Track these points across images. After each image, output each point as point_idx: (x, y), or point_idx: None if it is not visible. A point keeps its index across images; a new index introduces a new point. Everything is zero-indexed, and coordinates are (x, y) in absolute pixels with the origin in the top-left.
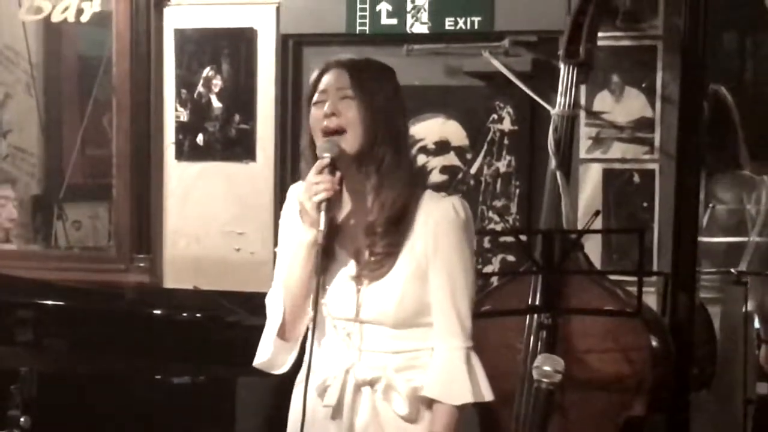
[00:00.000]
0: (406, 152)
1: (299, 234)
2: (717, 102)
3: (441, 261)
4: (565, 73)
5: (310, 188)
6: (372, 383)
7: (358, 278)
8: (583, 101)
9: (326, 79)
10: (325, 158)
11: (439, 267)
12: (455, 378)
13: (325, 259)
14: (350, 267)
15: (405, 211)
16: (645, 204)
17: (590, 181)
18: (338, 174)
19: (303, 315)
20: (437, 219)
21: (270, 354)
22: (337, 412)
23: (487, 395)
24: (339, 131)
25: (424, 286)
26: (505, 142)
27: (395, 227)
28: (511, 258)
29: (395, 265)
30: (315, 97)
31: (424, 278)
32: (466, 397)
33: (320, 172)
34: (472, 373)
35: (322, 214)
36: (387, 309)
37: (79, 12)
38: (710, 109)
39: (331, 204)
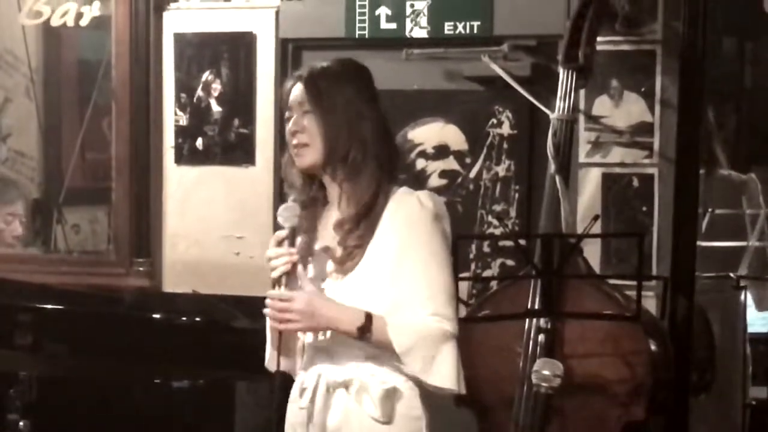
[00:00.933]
0: (374, 151)
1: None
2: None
3: (412, 257)
4: (564, 77)
5: (269, 260)
6: (345, 385)
7: (332, 273)
8: (582, 106)
9: (291, 96)
10: (284, 231)
11: (410, 263)
12: (408, 328)
13: (305, 257)
14: (327, 264)
15: (372, 207)
16: (644, 208)
17: (589, 186)
18: (299, 240)
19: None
20: (403, 215)
21: (274, 365)
22: (311, 414)
23: (436, 379)
24: (304, 145)
25: (394, 282)
26: (505, 146)
27: (364, 223)
28: (510, 262)
29: (363, 260)
30: (286, 114)
31: (394, 274)
32: (399, 345)
33: (279, 244)
34: (431, 345)
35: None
36: (359, 303)
37: (79, 16)
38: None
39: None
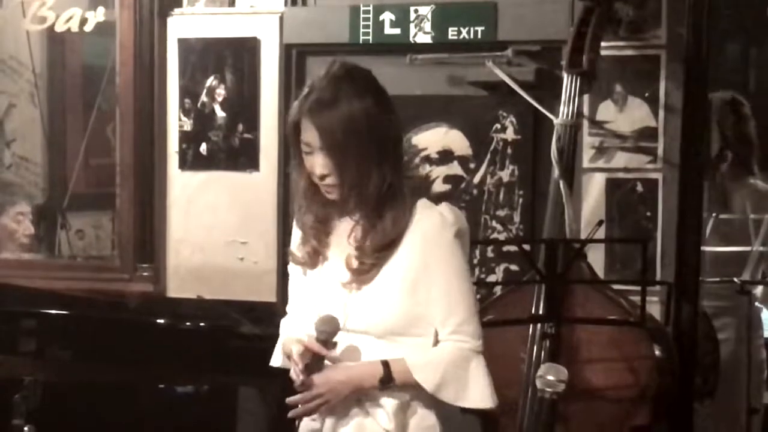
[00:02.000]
0: (401, 177)
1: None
2: (734, 109)
3: (434, 272)
4: (568, 82)
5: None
6: (357, 398)
7: (347, 285)
8: (586, 111)
9: (305, 136)
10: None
11: (433, 278)
12: (433, 363)
13: (316, 260)
14: (341, 273)
15: (398, 239)
16: (648, 213)
17: (593, 191)
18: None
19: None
20: (425, 229)
21: (279, 363)
22: (322, 427)
23: (470, 401)
24: (334, 185)
25: (413, 297)
26: (508, 151)
27: (381, 230)
28: (514, 267)
29: (383, 272)
30: (302, 146)
31: (413, 289)
32: (429, 384)
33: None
34: (459, 371)
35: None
36: (373, 316)
37: (83, 22)
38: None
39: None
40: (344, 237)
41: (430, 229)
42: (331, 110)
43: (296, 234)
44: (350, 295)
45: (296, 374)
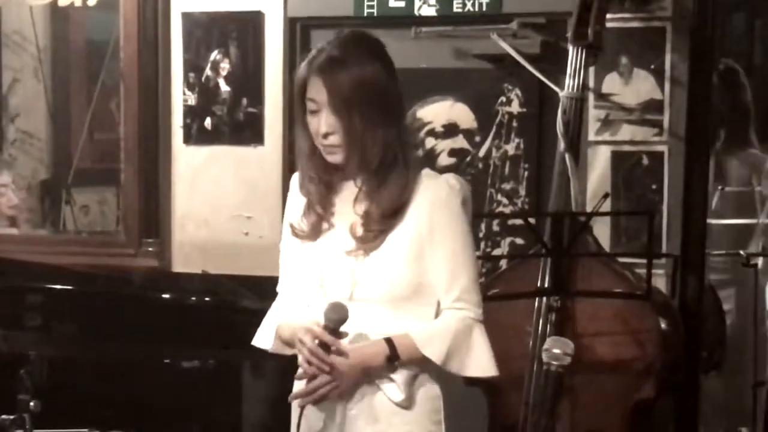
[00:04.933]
0: (404, 146)
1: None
2: (730, 78)
3: (440, 239)
4: (573, 55)
5: (302, 348)
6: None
7: (353, 252)
8: (591, 83)
9: (312, 92)
10: (325, 329)
11: (438, 245)
12: (439, 335)
13: (319, 230)
14: (346, 241)
15: (403, 207)
16: (654, 186)
17: (599, 164)
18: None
19: None
20: (432, 198)
21: (270, 347)
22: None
23: (473, 370)
24: (338, 146)
25: (419, 264)
26: (514, 124)
27: (387, 201)
28: (519, 241)
29: (389, 239)
30: (308, 104)
31: (419, 256)
32: (437, 356)
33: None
34: (463, 341)
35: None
36: (381, 284)
37: None
38: (722, 85)
39: None
40: (349, 205)
41: (437, 197)
42: (342, 68)
43: (297, 204)
44: (357, 262)
45: (309, 363)
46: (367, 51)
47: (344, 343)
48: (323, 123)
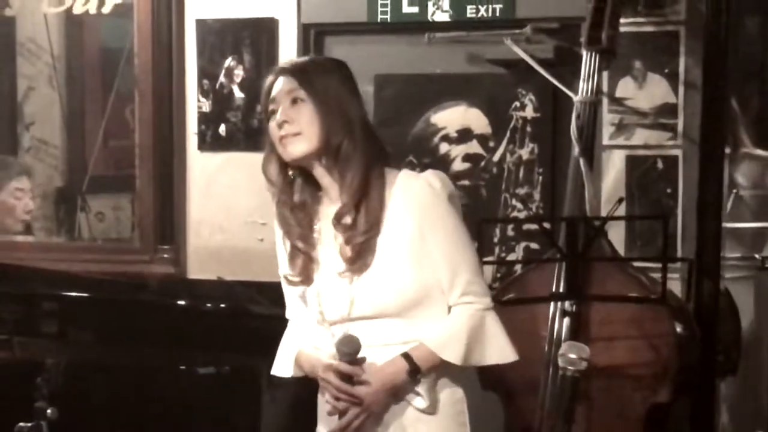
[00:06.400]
0: (363, 135)
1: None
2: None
3: (433, 240)
4: (587, 59)
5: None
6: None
7: (345, 274)
8: (605, 88)
9: (275, 89)
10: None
11: (433, 246)
12: (455, 336)
13: (312, 264)
14: (337, 264)
15: (366, 191)
16: (668, 190)
17: (613, 168)
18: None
19: None
20: (413, 201)
21: (290, 375)
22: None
23: (493, 358)
24: (296, 135)
25: (419, 268)
26: (528, 129)
27: (364, 213)
28: (534, 246)
29: (378, 252)
30: (269, 107)
31: (417, 260)
32: (456, 357)
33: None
34: (479, 334)
35: None
36: (385, 297)
37: (101, 3)
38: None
39: None
40: (330, 229)
41: (420, 201)
42: (302, 63)
43: (282, 254)
44: (352, 284)
45: (337, 398)
46: (327, 61)
47: (365, 365)
48: (280, 114)
